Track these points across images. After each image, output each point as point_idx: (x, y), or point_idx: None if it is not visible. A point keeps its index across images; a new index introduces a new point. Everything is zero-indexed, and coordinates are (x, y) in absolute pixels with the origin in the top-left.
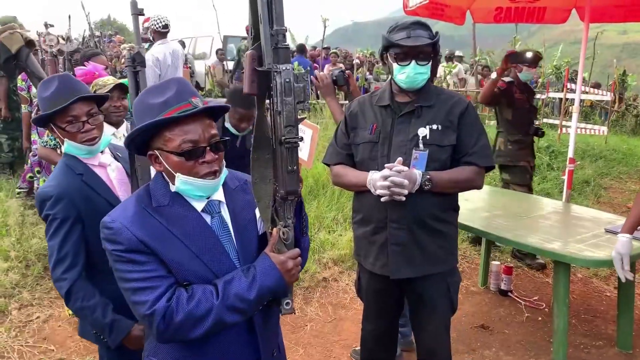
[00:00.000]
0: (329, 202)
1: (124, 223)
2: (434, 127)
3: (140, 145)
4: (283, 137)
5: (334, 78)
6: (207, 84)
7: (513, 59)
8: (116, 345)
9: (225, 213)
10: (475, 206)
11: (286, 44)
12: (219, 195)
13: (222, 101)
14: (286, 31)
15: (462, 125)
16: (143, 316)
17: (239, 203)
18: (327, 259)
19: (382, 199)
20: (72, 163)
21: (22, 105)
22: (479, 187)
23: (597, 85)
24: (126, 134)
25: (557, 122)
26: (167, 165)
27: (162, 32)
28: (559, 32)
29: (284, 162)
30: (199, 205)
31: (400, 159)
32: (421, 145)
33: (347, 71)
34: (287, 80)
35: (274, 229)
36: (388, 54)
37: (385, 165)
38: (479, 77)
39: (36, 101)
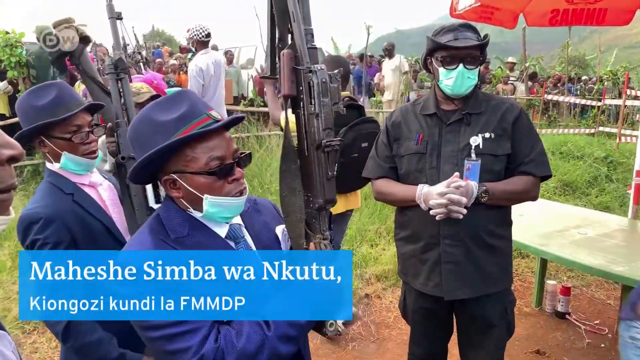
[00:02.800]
0: (371, 213)
1: None
2: (487, 135)
3: (152, 171)
4: (323, 141)
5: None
6: (250, 94)
7: None
8: None
9: (247, 237)
10: (530, 221)
11: (314, 44)
12: (237, 218)
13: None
14: (313, 31)
15: (516, 132)
16: None
17: (257, 225)
18: (370, 274)
19: (437, 217)
20: (60, 182)
21: None
22: (535, 199)
23: None
24: None
25: (614, 130)
26: (191, 189)
27: (204, 42)
28: (612, 37)
29: (322, 169)
30: (222, 232)
31: (457, 173)
32: (473, 155)
33: None
34: (324, 80)
35: (311, 244)
36: (433, 59)
37: (445, 182)
38: (530, 84)
39: None
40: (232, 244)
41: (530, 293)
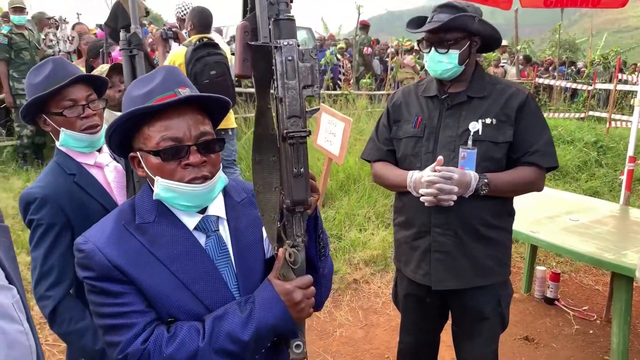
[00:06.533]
0: (360, 197)
1: (98, 244)
2: (488, 121)
3: (120, 145)
4: (286, 131)
5: (161, 34)
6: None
7: None
8: None
9: (224, 232)
10: (521, 207)
11: (290, 15)
12: (218, 209)
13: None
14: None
15: (521, 120)
16: None
17: (244, 220)
18: (358, 259)
19: (426, 204)
20: (65, 162)
21: None
22: (540, 190)
23: None
24: None
25: (604, 115)
26: (147, 170)
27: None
28: (602, 21)
29: (288, 164)
30: (191, 222)
31: (440, 158)
32: (470, 143)
33: (174, 29)
34: (290, 58)
35: (280, 250)
36: None
37: (429, 167)
38: (520, 67)
39: None
40: (201, 237)
41: (519, 279)
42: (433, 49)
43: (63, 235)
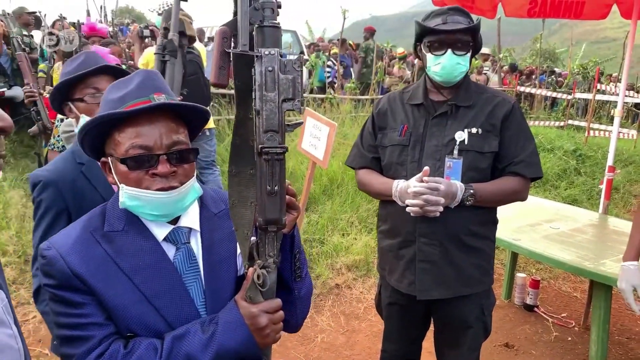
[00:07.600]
0: (343, 202)
1: (61, 251)
2: (474, 130)
3: (94, 149)
4: (261, 146)
5: (138, 32)
6: None
7: None
8: None
9: (196, 244)
10: (503, 214)
11: (275, 22)
12: (191, 221)
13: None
14: (277, 6)
15: (507, 129)
16: None
17: (219, 233)
18: (341, 264)
19: (412, 214)
20: (79, 150)
21: None
22: (524, 199)
23: (630, 87)
24: None
25: (583, 124)
26: (115, 177)
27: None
28: (581, 31)
29: (263, 180)
30: (160, 233)
31: (427, 168)
32: (455, 152)
33: (151, 27)
34: (270, 68)
35: (250, 269)
36: (422, 45)
37: (415, 178)
38: (502, 75)
39: None
40: (170, 249)
41: (499, 285)
42: (450, 50)
43: (60, 219)
